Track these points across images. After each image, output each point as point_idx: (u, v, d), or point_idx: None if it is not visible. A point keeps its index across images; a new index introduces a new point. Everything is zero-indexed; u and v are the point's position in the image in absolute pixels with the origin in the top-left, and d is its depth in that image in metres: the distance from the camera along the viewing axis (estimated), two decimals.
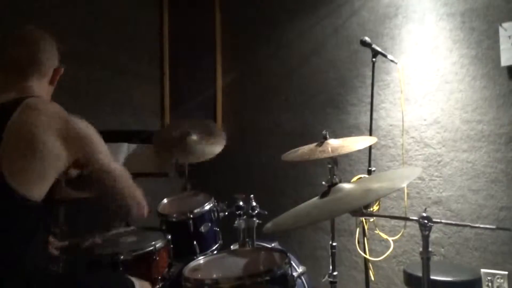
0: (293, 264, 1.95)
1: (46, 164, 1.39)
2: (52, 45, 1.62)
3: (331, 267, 2.06)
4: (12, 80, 1.53)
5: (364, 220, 2.47)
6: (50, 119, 1.43)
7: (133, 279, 1.61)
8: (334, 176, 1.87)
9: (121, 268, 1.82)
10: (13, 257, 1.35)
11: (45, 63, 1.58)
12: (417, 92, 2.62)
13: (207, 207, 2.25)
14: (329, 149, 2.03)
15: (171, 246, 2.14)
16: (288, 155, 2.19)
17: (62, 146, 1.42)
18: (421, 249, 1.37)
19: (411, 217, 1.42)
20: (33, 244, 1.41)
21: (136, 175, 2.94)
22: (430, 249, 1.37)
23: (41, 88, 1.57)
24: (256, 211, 2.02)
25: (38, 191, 1.38)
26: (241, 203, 2.08)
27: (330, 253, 2.10)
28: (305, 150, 2.15)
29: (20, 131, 1.38)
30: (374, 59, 2.43)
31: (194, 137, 2.65)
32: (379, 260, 2.58)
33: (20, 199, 1.34)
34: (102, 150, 1.52)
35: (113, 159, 1.58)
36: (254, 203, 2.04)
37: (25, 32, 1.60)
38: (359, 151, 2.24)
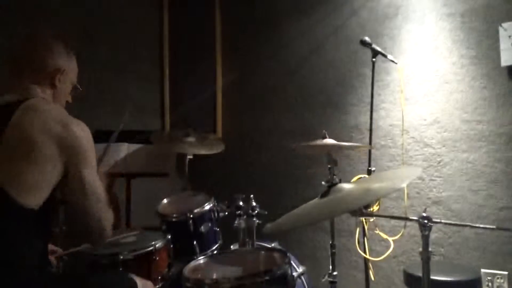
0: (293, 264, 1.95)
1: (42, 169, 1.34)
2: (52, 47, 1.56)
3: (331, 267, 2.06)
4: (15, 81, 1.51)
5: (364, 220, 2.46)
6: (49, 122, 1.39)
7: (136, 278, 1.60)
8: (334, 176, 1.86)
9: (121, 268, 1.83)
10: (9, 263, 1.31)
11: (43, 65, 1.53)
12: (417, 92, 2.62)
13: (207, 207, 2.24)
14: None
15: (171, 246, 2.14)
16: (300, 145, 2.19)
17: (57, 151, 1.37)
18: (421, 249, 1.37)
19: (411, 217, 1.42)
20: (30, 250, 1.37)
21: (136, 175, 2.97)
22: (430, 249, 1.37)
23: (44, 90, 1.54)
24: (256, 211, 2.02)
25: (34, 199, 1.33)
26: (241, 203, 2.07)
27: (330, 253, 2.10)
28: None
29: (18, 134, 1.35)
30: (374, 59, 2.43)
31: (193, 138, 2.68)
32: (379, 260, 2.58)
33: (16, 205, 1.30)
34: (91, 163, 1.45)
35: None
36: (254, 203, 2.03)
37: (29, 34, 1.58)
38: (359, 151, 2.24)
